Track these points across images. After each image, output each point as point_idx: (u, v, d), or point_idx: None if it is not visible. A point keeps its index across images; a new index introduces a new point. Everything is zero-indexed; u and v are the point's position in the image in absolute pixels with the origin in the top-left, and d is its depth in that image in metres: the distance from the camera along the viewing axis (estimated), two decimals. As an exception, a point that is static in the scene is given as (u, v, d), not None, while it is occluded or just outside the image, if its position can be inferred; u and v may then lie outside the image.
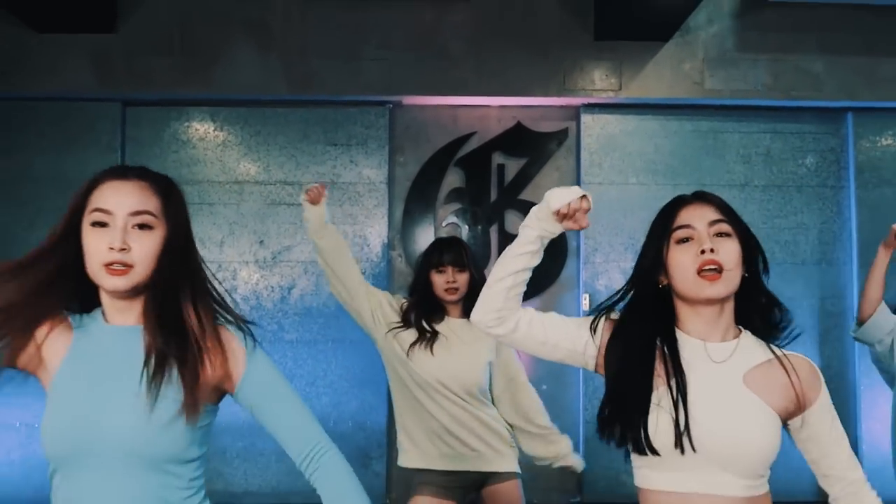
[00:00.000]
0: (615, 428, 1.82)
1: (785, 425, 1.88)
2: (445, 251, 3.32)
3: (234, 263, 6.23)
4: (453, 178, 6.39)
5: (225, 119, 6.31)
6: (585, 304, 6.23)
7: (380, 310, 3.26)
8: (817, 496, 6.24)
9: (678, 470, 1.78)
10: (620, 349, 1.91)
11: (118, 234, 1.66)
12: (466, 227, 6.37)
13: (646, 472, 1.83)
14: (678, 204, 1.98)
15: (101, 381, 1.65)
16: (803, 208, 6.42)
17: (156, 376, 1.63)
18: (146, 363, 1.65)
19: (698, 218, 1.91)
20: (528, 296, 5.96)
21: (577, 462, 3.40)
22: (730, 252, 1.87)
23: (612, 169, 6.35)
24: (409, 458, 3.26)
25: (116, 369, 1.66)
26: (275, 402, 1.75)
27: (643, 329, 1.92)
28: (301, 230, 6.21)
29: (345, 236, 6.15)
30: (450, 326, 3.25)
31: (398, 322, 3.23)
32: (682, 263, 1.88)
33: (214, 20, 6.12)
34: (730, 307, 1.92)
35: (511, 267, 1.94)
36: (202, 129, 6.32)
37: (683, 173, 6.35)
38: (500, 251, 6.30)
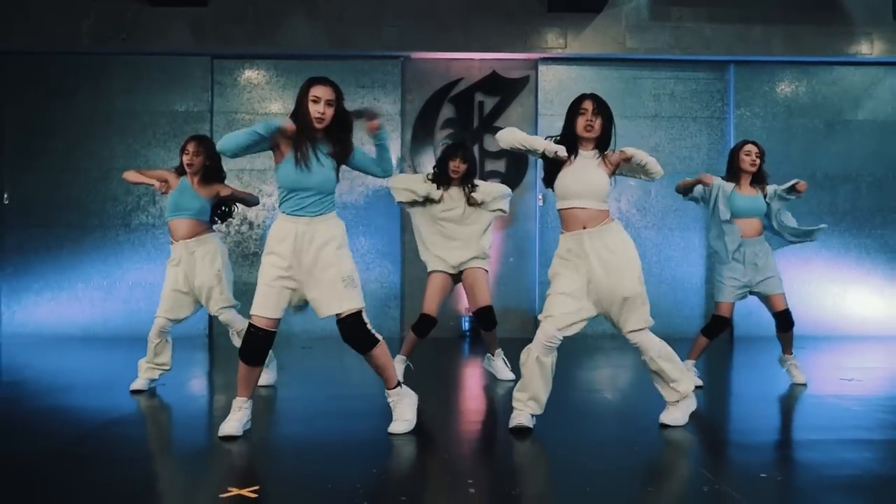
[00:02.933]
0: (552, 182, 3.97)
1: (618, 175, 4.04)
2: (459, 149, 5.57)
3: (291, 172, 8.53)
4: (447, 111, 8.65)
5: (284, 69, 8.53)
6: (540, 201, 8.53)
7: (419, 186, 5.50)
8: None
9: (573, 197, 3.92)
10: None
11: (322, 106, 3.82)
12: (456, 146, 8.65)
13: (561, 202, 3.97)
14: (582, 98, 4.12)
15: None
16: (696, 133, 8.68)
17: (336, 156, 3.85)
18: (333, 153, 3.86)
19: (589, 103, 4.06)
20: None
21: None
22: (600, 123, 4.04)
23: (560, 105, 8.58)
24: (434, 265, 5.53)
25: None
26: (363, 157, 3.99)
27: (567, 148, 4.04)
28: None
29: (368, 153, 8.45)
30: (454, 190, 5.49)
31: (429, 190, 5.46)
32: (579, 123, 4.06)
33: (277, -3, 8.32)
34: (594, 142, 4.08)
35: (520, 145, 4.03)
36: (268, 76, 8.56)
37: (611, 108, 8.55)
38: (482, 164, 8.60)
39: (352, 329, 3.83)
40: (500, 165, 8.64)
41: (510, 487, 3.10)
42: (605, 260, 3.88)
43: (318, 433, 3.98)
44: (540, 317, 3.92)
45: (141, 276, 8.36)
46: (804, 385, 5.36)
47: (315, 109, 3.75)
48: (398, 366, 5.48)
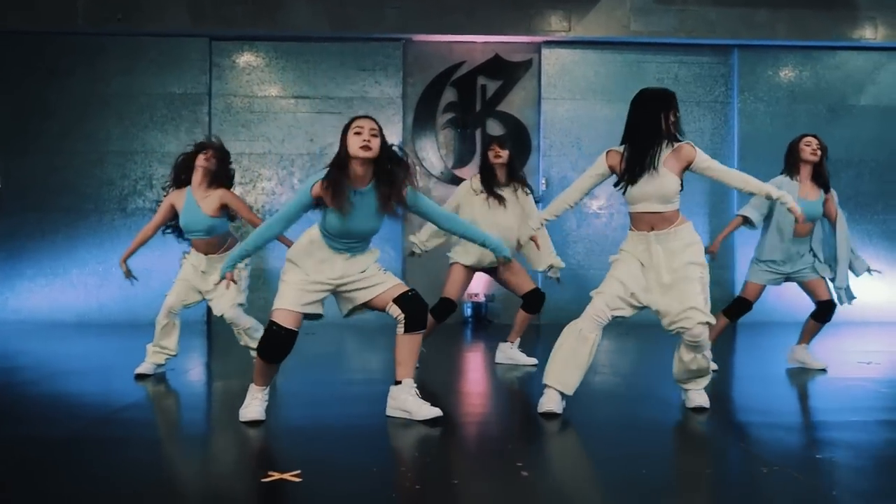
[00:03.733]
0: (625, 183, 3.73)
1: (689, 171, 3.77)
2: (493, 140, 5.42)
3: (292, 156, 8.32)
4: (449, 95, 8.47)
5: (284, 51, 8.30)
6: (543, 185, 8.37)
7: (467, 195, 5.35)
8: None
9: (639, 202, 3.71)
10: (627, 156, 3.78)
11: (366, 134, 3.54)
12: (458, 130, 8.47)
13: (629, 207, 3.76)
14: (672, 95, 3.83)
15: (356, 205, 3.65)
16: (700, 118, 8.56)
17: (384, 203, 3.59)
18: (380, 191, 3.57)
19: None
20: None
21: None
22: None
23: (563, 89, 8.44)
24: (460, 258, 5.40)
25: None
26: (427, 205, 3.70)
27: (646, 143, 3.73)
28: (339, 130, 8.29)
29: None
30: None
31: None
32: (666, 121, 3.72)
33: (277, -23, 8.08)
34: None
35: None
36: (267, 58, 8.33)
37: (615, 93, 8.41)
38: (483, 148, 8.39)
39: (418, 302, 3.65)
40: (502, 150, 8.46)
41: (560, 472, 2.95)
42: (668, 264, 3.72)
43: (343, 417, 3.80)
44: (592, 293, 3.79)
45: (137, 261, 8.07)
46: (824, 370, 5.25)
47: (359, 139, 3.49)
48: None
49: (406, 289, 3.67)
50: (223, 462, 3.12)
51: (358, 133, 3.50)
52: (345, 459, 2.95)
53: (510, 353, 5.55)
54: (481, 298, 8.29)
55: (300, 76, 8.30)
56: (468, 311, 8.27)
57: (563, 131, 8.40)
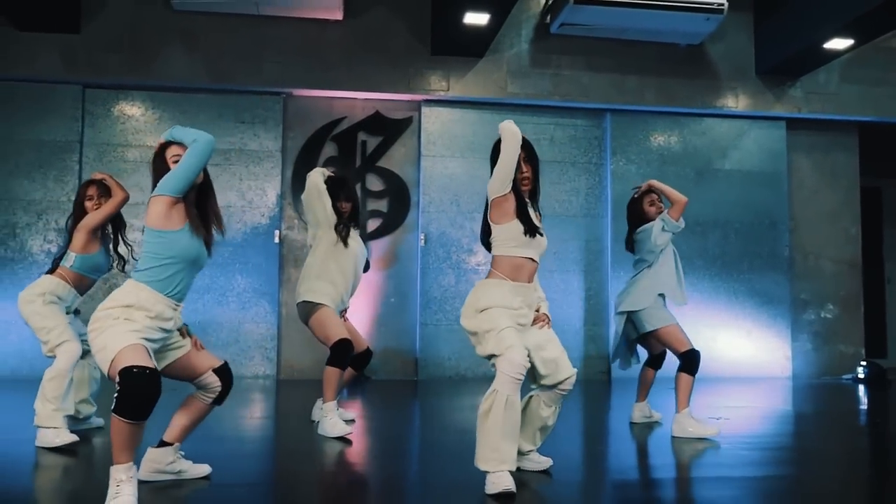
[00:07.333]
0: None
1: None
2: (342, 189, 5.25)
3: (166, 207, 8.04)
4: (329, 150, 8.38)
5: (161, 101, 8.08)
6: (422, 241, 8.30)
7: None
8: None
9: (524, 247, 3.56)
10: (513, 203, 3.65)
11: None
12: (338, 185, 8.36)
13: (511, 248, 3.54)
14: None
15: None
16: (575, 178, 8.68)
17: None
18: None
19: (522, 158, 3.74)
20: (379, 235, 8.04)
21: None
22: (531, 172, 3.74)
23: (443, 147, 8.46)
24: (326, 300, 5.13)
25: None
26: None
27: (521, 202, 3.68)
28: (215, 182, 8.07)
29: (248, 190, 8.10)
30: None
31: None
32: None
33: (155, 27, 7.90)
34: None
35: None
36: (143, 108, 8.09)
37: (493, 151, 8.49)
38: (364, 204, 8.33)
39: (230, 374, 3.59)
40: (382, 205, 8.40)
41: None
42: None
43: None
44: (495, 352, 3.33)
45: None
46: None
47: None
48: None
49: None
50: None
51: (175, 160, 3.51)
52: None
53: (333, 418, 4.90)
54: (358, 353, 8.09)
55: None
56: (344, 367, 8.05)
57: (442, 188, 8.39)
